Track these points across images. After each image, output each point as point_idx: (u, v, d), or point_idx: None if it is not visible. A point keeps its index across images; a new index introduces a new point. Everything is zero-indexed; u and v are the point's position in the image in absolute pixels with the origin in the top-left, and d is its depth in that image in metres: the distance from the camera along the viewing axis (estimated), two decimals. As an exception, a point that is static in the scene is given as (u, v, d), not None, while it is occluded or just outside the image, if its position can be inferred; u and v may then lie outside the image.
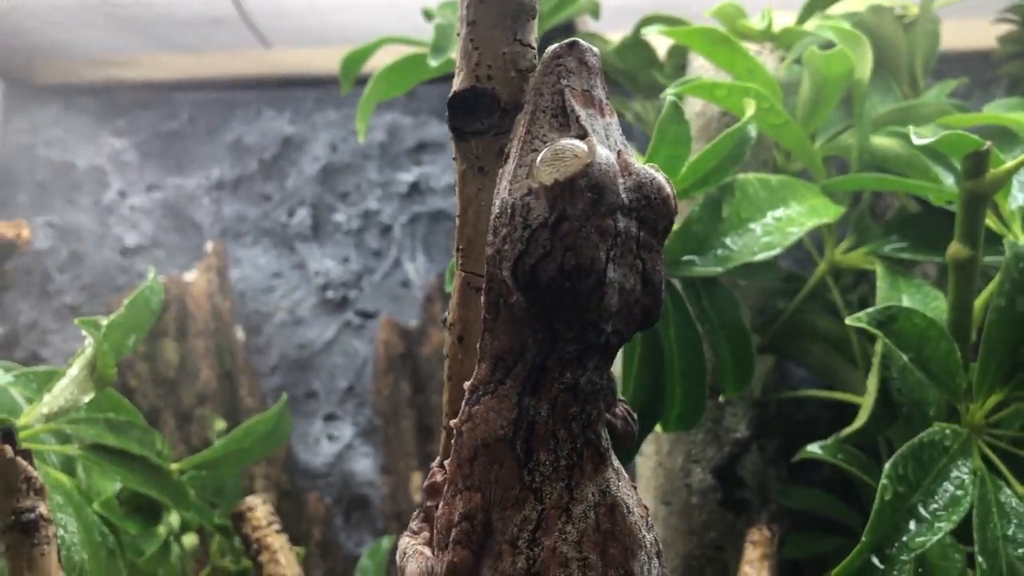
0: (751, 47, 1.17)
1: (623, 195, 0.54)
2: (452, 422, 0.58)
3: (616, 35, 1.38)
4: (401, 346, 1.74)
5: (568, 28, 1.43)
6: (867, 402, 0.95)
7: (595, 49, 0.59)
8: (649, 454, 1.14)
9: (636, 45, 1.31)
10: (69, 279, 1.90)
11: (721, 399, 1.00)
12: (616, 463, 0.59)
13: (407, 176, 1.86)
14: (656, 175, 0.57)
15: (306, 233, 1.87)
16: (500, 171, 0.58)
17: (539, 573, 0.54)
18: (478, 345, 0.57)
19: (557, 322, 0.54)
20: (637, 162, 0.57)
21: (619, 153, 0.56)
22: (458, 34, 0.61)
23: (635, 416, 0.66)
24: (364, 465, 1.78)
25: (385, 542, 1.42)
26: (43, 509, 0.82)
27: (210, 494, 1.25)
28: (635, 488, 0.60)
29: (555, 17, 1.23)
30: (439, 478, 0.62)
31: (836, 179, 1.06)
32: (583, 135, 0.55)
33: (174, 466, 1.15)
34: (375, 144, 1.87)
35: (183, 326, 1.64)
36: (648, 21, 1.25)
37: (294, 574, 1.08)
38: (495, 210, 0.56)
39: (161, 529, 1.21)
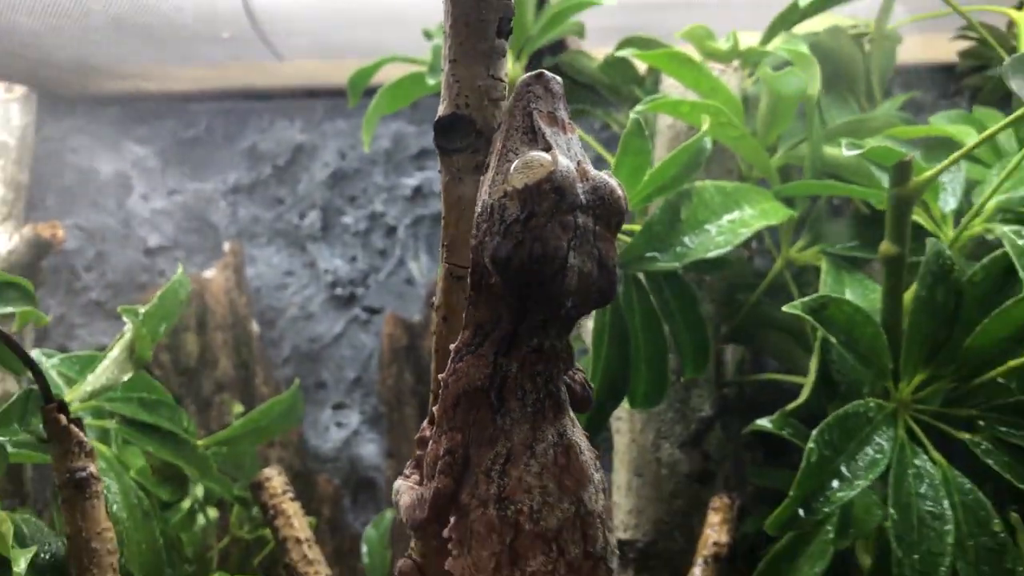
0: (716, 66, 1.32)
1: (581, 196, 0.68)
2: (440, 376, 0.72)
3: (603, 51, 1.52)
4: (405, 339, 1.88)
5: (559, 45, 1.56)
6: (809, 381, 1.09)
7: (558, 79, 0.73)
8: (624, 431, 1.28)
9: (618, 62, 1.45)
10: (95, 277, 2.04)
11: (682, 380, 1.14)
12: (572, 414, 0.73)
13: (411, 181, 2.00)
14: (609, 180, 0.70)
15: (316, 234, 2.01)
16: (481, 179, 0.71)
17: (507, 497, 0.68)
18: (463, 315, 0.71)
19: (527, 298, 0.68)
20: (593, 169, 0.71)
21: (578, 163, 0.69)
22: (442, 69, 0.75)
23: (592, 386, 0.80)
24: (370, 450, 1.93)
25: (388, 514, 1.55)
26: (93, 469, 0.97)
27: (230, 469, 1.39)
28: (588, 436, 0.74)
29: (543, 38, 1.36)
30: (428, 433, 0.76)
31: (787, 185, 1.20)
32: (548, 148, 0.69)
33: (198, 443, 1.29)
34: (381, 151, 2.01)
35: (203, 320, 1.78)
36: (626, 43, 1.38)
37: (306, 536, 1.22)
38: (478, 209, 0.69)
39: (186, 502, 1.35)
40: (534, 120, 0.69)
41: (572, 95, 1.51)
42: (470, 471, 0.70)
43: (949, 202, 1.16)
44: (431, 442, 0.72)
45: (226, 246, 1.89)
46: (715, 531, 1.17)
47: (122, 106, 2.07)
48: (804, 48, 1.27)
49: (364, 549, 1.50)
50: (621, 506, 1.28)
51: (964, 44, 1.65)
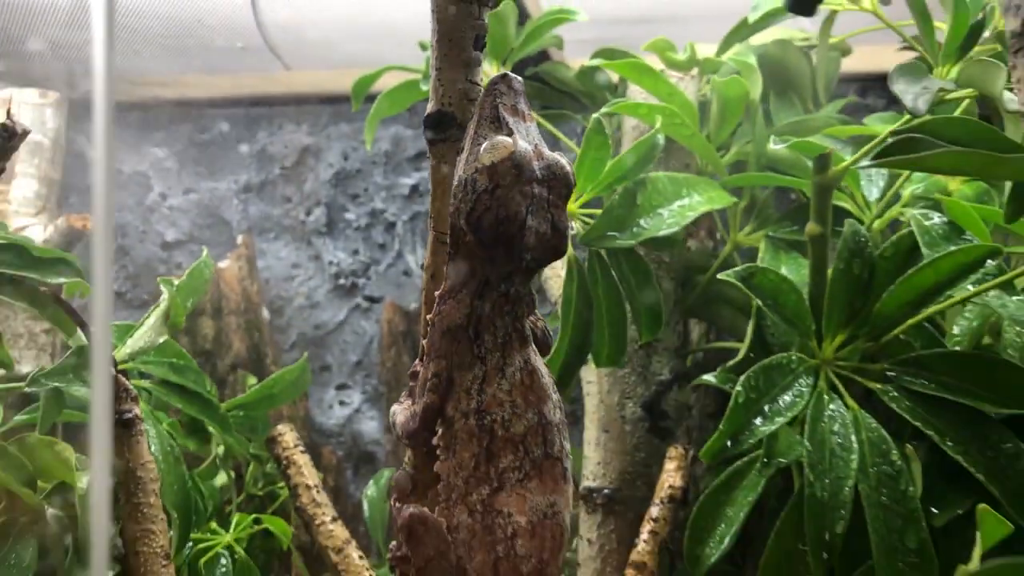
0: (675, 74, 1.51)
1: (537, 172, 0.86)
2: (428, 316, 0.91)
3: (582, 62, 1.71)
4: (402, 325, 2.07)
5: (543, 56, 1.76)
6: (746, 342, 1.28)
7: (520, 79, 0.91)
8: (593, 393, 1.47)
9: (592, 71, 1.64)
10: (116, 269, 2.24)
11: (639, 343, 1.33)
12: (534, 348, 0.91)
13: (408, 180, 2.20)
14: (560, 159, 0.89)
15: (321, 229, 2.21)
16: (458, 159, 0.90)
17: (484, 410, 0.87)
18: (444, 270, 0.90)
19: (495, 253, 0.86)
20: (547, 151, 0.90)
21: (535, 145, 0.88)
22: (430, 76, 0.94)
23: (551, 333, 0.99)
24: (370, 426, 2.12)
25: (386, 472, 1.74)
26: (137, 411, 1.16)
27: (246, 431, 1.58)
28: (548, 367, 0.93)
29: (523, 50, 1.55)
30: (419, 367, 0.95)
31: (730, 177, 1.39)
32: (510, 134, 0.88)
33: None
34: (381, 152, 2.21)
35: (218, 306, 1.98)
36: (598, 54, 1.58)
37: (315, 483, 1.41)
38: (455, 183, 0.88)
39: (208, 458, 1.55)
40: (499, 111, 0.88)
41: (553, 100, 1.72)
42: (453, 390, 0.89)
43: (873, 191, 1.36)
44: (421, 370, 0.91)
45: (239, 239, 2.08)
46: (671, 476, 1.35)
47: (142, 112, 2.27)
48: (750, 59, 1.47)
49: (365, 505, 1.68)
50: (591, 458, 1.47)
51: (910, 55, 1.84)
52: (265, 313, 2.07)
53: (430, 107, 0.95)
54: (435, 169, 0.96)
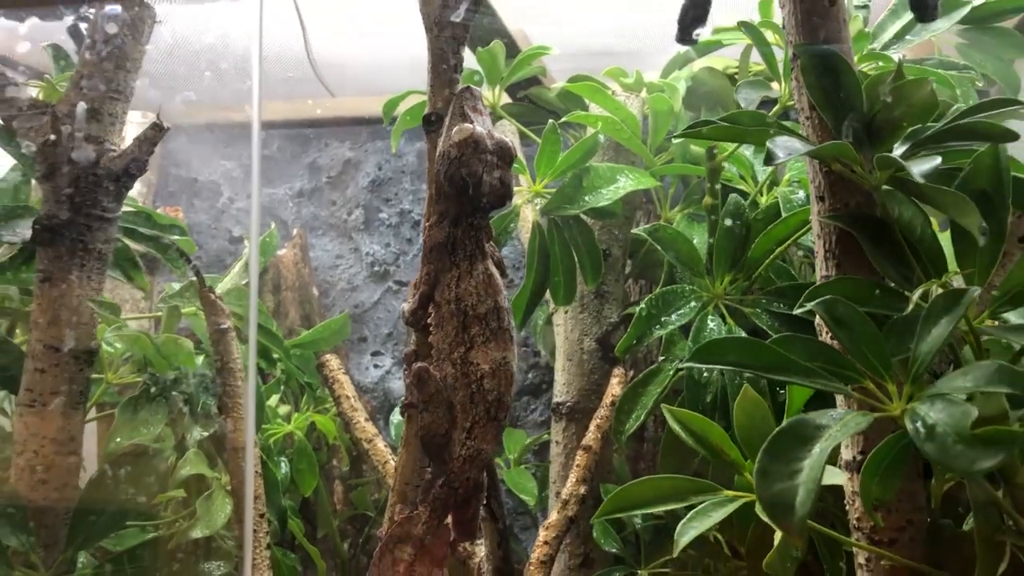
0: (623, 94, 2.09)
1: (490, 146, 1.42)
2: (423, 239, 1.48)
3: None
4: (425, 303, 2.66)
5: (533, 81, 2.35)
6: (661, 283, 1.85)
7: (478, 89, 1.48)
8: (560, 332, 2.04)
9: (566, 92, 2.23)
10: (193, 259, 2.85)
11: (588, 288, 1.91)
12: (492, 261, 1.48)
13: (431, 186, 2.80)
14: (505, 138, 1.46)
15: (360, 227, 2.82)
16: (440, 140, 1.48)
17: (460, 298, 1.40)
18: (431, 209, 1.48)
19: (462, 198, 1.43)
20: (497, 133, 1.46)
21: (488, 131, 1.44)
22: (427, 90, 1.53)
23: (504, 264, 1.56)
24: (398, 385, 2.71)
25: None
26: (229, 324, 1.75)
27: (300, 365, 2.17)
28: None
29: (512, 78, 2.13)
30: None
31: (657, 167, 1.97)
32: (471, 123, 1.44)
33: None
34: (409, 163, 2.82)
35: (277, 283, 2.57)
36: (572, 79, 2.16)
37: (352, 394, 1.99)
38: (437, 154, 1.44)
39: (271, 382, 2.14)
40: (465, 109, 1.44)
41: (538, 117, 2.30)
42: (440, 284, 1.45)
43: (760, 174, 1.92)
44: (418, 275, 1.50)
45: (294, 231, 2.69)
46: (613, 388, 1.91)
47: (214, 131, 2.87)
48: (679, 83, 2.04)
49: (392, 429, 2.27)
50: (558, 380, 2.04)
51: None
52: (314, 290, 2.67)
53: (427, 109, 1.54)
54: (430, 151, 1.55)
